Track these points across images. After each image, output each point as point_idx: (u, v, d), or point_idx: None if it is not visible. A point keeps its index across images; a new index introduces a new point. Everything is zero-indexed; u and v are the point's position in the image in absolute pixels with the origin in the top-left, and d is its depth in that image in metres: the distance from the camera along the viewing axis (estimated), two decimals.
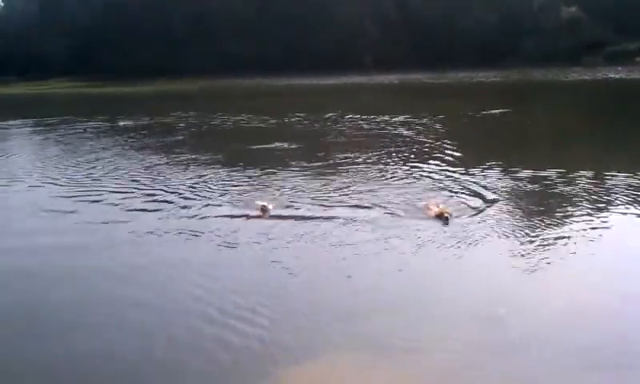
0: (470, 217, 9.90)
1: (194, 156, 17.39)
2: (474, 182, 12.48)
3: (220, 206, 11.15)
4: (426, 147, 17.56)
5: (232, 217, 10.21)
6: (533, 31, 71.24)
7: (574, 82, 43.59)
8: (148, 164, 16.37)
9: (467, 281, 7.47)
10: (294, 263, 8.07)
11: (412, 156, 15.98)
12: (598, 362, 5.48)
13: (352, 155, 16.16)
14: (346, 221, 9.69)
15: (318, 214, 10.17)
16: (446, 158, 15.46)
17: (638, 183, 11.84)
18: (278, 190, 12.22)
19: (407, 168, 14.33)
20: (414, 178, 13.25)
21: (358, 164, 15.01)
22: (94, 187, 13.45)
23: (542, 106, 31.84)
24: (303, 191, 12.03)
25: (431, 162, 15.01)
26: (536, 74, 48.83)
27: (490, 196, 11.23)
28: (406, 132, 21.41)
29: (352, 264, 7.94)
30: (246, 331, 6.29)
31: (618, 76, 45.72)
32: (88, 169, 15.93)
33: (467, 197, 11.26)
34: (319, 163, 15.33)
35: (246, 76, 63.01)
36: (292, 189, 12.30)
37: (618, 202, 10.58)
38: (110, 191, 12.86)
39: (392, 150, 17.01)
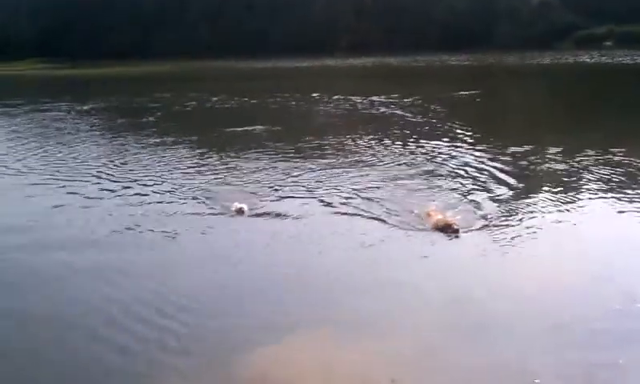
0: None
1: (165, 140, 17.08)
2: (446, 164, 12.62)
3: (187, 202, 10.48)
4: (405, 129, 17.59)
5: (205, 215, 9.67)
6: (505, 16, 71.81)
7: (546, 66, 44.06)
8: (113, 149, 15.97)
9: (440, 265, 7.49)
10: (266, 253, 8.02)
11: (394, 138, 15.95)
12: (568, 341, 5.54)
13: (328, 140, 16.05)
14: (326, 216, 9.35)
15: (296, 212, 9.58)
16: (422, 139, 15.55)
17: (608, 163, 12.04)
18: (257, 181, 11.72)
19: (386, 149, 14.40)
20: (397, 160, 13.26)
21: (335, 149, 14.85)
22: (47, 174, 12.99)
23: (516, 89, 32.13)
24: (283, 182, 11.55)
25: (410, 144, 15.08)
26: (509, 59, 49.24)
27: (459, 180, 11.33)
28: (385, 113, 21.51)
29: (328, 255, 7.86)
30: (219, 314, 6.35)
31: (589, 60, 46.36)
32: (44, 154, 15.47)
33: (437, 179, 11.38)
34: (299, 149, 14.98)
35: (217, 58, 62.25)
36: (271, 179, 11.87)
37: (587, 184, 10.71)
38: (65, 178, 12.45)
39: (370, 132, 16.97)
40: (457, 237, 8.03)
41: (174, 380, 5.16)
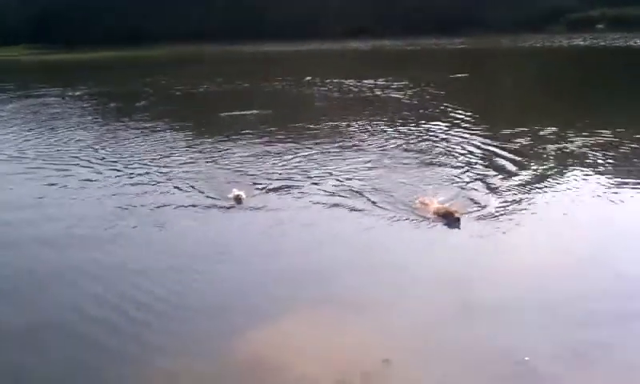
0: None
1: (158, 125, 17.01)
2: (441, 147, 12.67)
3: (183, 191, 10.32)
4: (400, 112, 17.64)
5: (201, 203, 9.53)
6: None
7: (539, 48, 44.04)
8: (104, 135, 15.87)
9: (434, 249, 7.55)
10: (261, 238, 8.06)
11: (390, 121, 16.00)
12: (558, 320, 5.63)
13: (323, 124, 16.04)
14: (324, 205, 9.14)
15: (292, 198, 9.55)
16: (418, 122, 15.64)
17: (601, 146, 12.11)
18: (252, 167, 11.61)
19: (382, 132, 14.46)
20: (394, 143, 13.31)
21: (331, 133, 14.83)
22: (36, 161, 12.87)
23: (510, 72, 32.09)
24: (278, 167, 11.48)
25: (406, 127, 15.15)
26: (503, 42, 49.17)
27: (454, 163, 11.39)
28: (380, 96, 21.55)
29: (322, 240, 7.90)
30: (212, 299, 6.43)
31: (583, 43, 46.36)
32: (33, 140, 15.35)
33: (432, 162, 11.44)
34: (294, 133, 14.93)
35: (211, 43, 61.85)
36: (267, 164, 11.77)
37: (580, 166, 10.79)
38: (55, 165, 12.34)
39: (365, 116, 16.97)
40: (458, 226, 7.91)
41: (168, 362, 5.22)
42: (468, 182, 9.99)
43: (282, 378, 4.93)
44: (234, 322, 5.85)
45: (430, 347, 5.32)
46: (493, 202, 8.88)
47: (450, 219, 8.00)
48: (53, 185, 10.97)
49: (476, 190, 9.54)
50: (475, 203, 8.90)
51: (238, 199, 9.17)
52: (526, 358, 4.94)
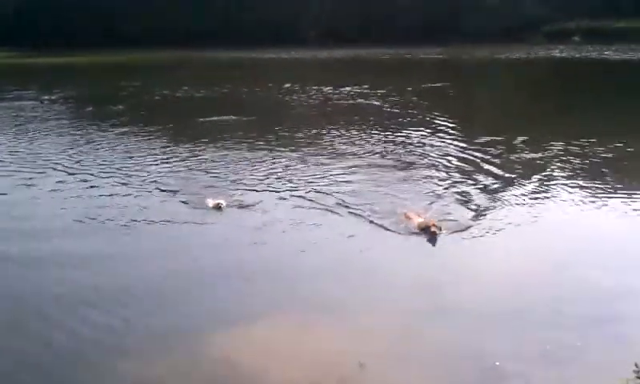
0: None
1: (133, 130, 16.78)
2: (419, 154, 12.83)
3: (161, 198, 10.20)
4: (377, 119, 17.75)
5: (175, 213, 9.31)
6: (474, 8, 72.14)
7: (517, 59, 44.63)
8: (79, 139, 15.57)
9: (409, 255, 7.65)
10: (238, 244, 8.05)
11: (368, 129, 16.08)
12: (528, 324, 5.76)
13: (302, 131, 16.05)
14: (302, 213, 9.12)
15: (270, 206, 9.49)
16: (395, 130, 15.77)
17: (576, 155, 12.37)
18: (229, 174, 11.55)
19: (361, 140, 14.54)
20: (372, 149, 13.45)
21: (309, 141, 14.83)
22: (7, 165, 12.66)
23: (488, 82, 32.46)
24: (256, 175, 11.43)
25: (383, 134, 15.25)
26: (481, 52, 49.76)
27: (431, 170, 11.55)
28: (360, 104, 21.63)
29: (300, 247, 7.95)
30: (184, 301, 6.46)
31: (559, 54, 47.09)
32: (5, 144, 15.04)
33: (410, 170, 11.57)
34: (273, 140, 14.83)
35: (184, 48, 61.32)
36: (244, 171, 11.70)
37: (554, 176, 10.97)
38: (27, 170, 12.09)
39: (343, 123, 16.96)
40: (434, 239, 7.81)
41: (138, 364, 5.22)
42: (446, 189, 10.13)
43: (256, 380, 4.96)
44: (208, 326, 5.86)
45: (405, 351, 5.40)
46: (468, 211, 9.03)
47: (429, 233, 7.86)
48: (23, 188, 10.87)
49: (453, 198, 9.67)
50: (452, 211, 9.03)
51: (217, 207, 9.08)
52: (497, 363, 5.03)
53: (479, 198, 9.62)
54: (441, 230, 7.94)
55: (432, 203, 9.38)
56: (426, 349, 5.42)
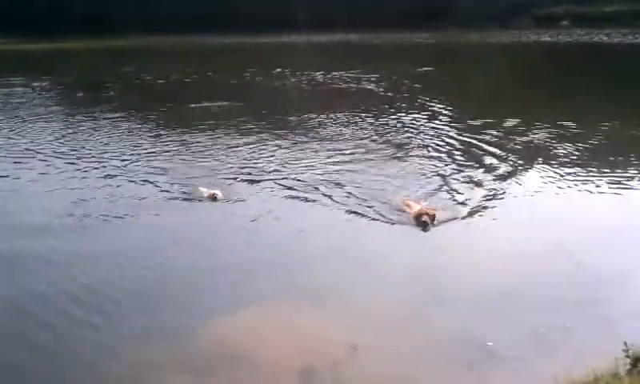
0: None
1: (125, 117, 16.64)
2: (414, 139, 12.92)
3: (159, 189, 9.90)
4: (370, 104, 17.66)
5: (168, 200, 9.23)
6: None
7: (507, 44, 44.66)
8: (69, 127, 15.41)
9: (402, 239, 7.71)
10: (231, 232, 8.08)
11: (362, 113, 16.04)
12: (520, 307, 5.84)
13: (295, 116, 15.98)
14: (296, 199, 9.13)
15: (264, 195, 9.42)
16: (388, 114, 15.86)
17: (568, 139, 12.43)
18: (223, 161, 11.36)
19: (354, 125, 14.55)
20: (367, 135, 13.41)
21: (304, 126, 14.72)
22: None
23: (478, 67, 32.47)
24: (250, 162, 11.29)
25: (377, 119, 15.28)
26: (470, 37, 49.67)
27: (426, 154, 11.61)
28: (353, 88, 21.62)
29: (293, 233, 8.01)
30: (182, 284, 6.49)
31: (549, 39, 47.11)
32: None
33: (405, 155, 11.60)
34: (265, 126, 14.70)
35: (174, 34, 60.77)
36: (238, 158, 11.56)
37: (547, 160, 11.03)
38: (17, 159, 11.90)
39: (336, 108, 16.87)
40: (428, 227, 7.76)
41: (134, 350, 5.25)
42: (440, 175, 10.17)
43: (250, 366, 4.99)
44: (203, 313, 5.88)
45: (397, 334, 5.46)
46: (462, 195, 9.09)
47: (421, 222, 7.78)
48: (6, 177, 10.77)
49: (447, 183, 9.71)
50: (446, 196, 9.10)
51: (213, 197, 8.95)
52: (489, 344, 5.10)
53: (473, 183, 9.70)
54: (434, 219, 7.83)
55: (426, 189, 9.41)
56: (418, 331, 5.48)
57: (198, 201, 9.05)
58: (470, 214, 8.33)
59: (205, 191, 9.17)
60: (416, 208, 8.14)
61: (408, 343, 5.32)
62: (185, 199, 9.22)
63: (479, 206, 8.62)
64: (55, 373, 5.02)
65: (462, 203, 8.75)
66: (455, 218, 8.15)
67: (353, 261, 7.09)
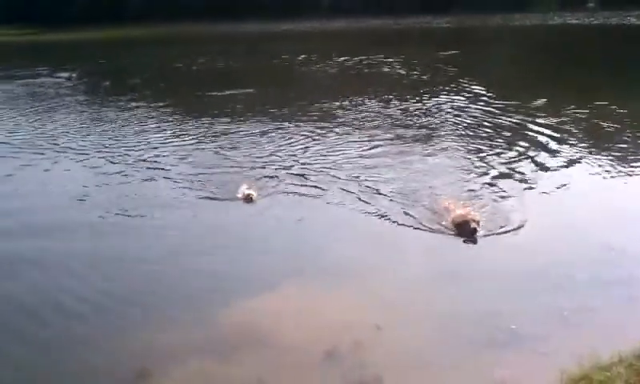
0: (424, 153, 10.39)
1: (148, 109, 16.48)
2: (444, 124, 12.86)
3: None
4: (398, 89, 17.55)
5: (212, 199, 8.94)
6: None
7: (532, 26, 43.98)
8: (90, 119, 15.32)
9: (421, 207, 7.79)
10: (258, 221, 7.98)
11: (391, 99, 15.88)
12: (544, 287, 5.81)
13: (324, 103, 15.71)
14: (324, 191, 8.81)
15: (293, 187, 9.11)
16: (417, 98, 15.79)
17: (604, 120, 12.37)
18: (253, 155, 10.97)
19: (384, 111, 14.40)
20: (397, 122, 13.26)
21: (333, 113, 14.43)
22: (18, 147, 12.33)
23: (503, 51, 31.85)
24: (280, 154, 10.93)
25: (415, 103, 15.19)
26: (490, 21, 48.97)
27: (456, 139, 11.56)
28: (381, 72, 21.49)
29: (322, 223, 7.95)
30: (211, 268, 6.63)
31: (576, 21, 46.28)
32: (13, 124, 14.85)
33: (437, 143, 11.45)
34: (295, 115, 14.46)
35: (193, 22, 60.78)
36: (268, 151, 11.20)
37: (573, 144, 10.89)
38: (38, 152, 11.82)
39: (365, 93, 16.76)
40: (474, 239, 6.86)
41: (158, 335, 5.33)
42: (470, 160, 10.06)
43: (274, 344, 5.06)
44: (227, 292, 6.01)
45: (421, 314, 5.48)
46: (489, 173, 9.20)
47: (472, 229, 6.88)
48: (28, 168, 10.82)
49: (477, 165, 9.71)
50: (468, 171, 9.18)
51: (248, 198, 8.50)
52: (513, 326, 5.09)
53: (500, 160, 9.89)
54: (479, 225, 6.94)
55: (457, 180, 9.10)
56: (442, 312, 5.49)
57: (230, 200, 8.70)
58: (495, 192, 8.39)
59: (241, 191, 8.71)
60: (458, 212, 7.21)
61: (431, 324, 5.33)
62: (214, 197, 8.91)
63: (504, 184, 8.68)
64: (78, 355, 5.14)
65: (487, 184, 8.77)
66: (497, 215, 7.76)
67: (375, 243, 7.09)
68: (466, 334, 5.10)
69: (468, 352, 4.85)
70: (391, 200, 8.28)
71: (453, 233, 7.01)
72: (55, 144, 12.53)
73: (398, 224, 7.50)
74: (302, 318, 5.51)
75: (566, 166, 9.64)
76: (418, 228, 7.32)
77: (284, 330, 5.27)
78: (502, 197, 8.25)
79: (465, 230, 6.88)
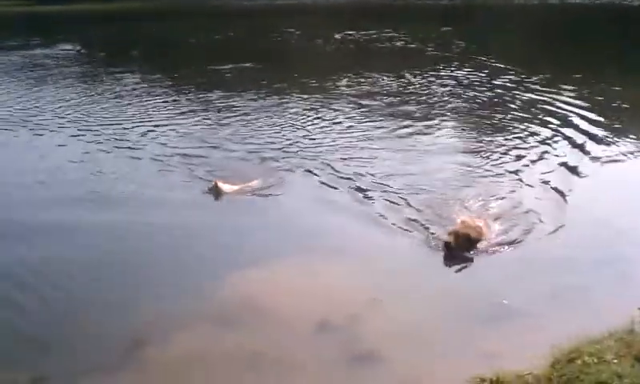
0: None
1: (146, 83, 16.26)
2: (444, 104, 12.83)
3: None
4: (397, 64, 17.31)
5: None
6: None
7: (534, 5, 43.42)
8: (87, 94, 14.96)
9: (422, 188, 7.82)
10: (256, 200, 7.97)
11: (392, 75, 15.64)
12: (537, 266, 5.86)
13: (327, 80, 15.42)
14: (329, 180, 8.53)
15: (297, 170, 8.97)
16: (416, 74, 15.64)
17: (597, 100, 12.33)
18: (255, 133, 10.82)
19: (386, 88, 14.29)
20: (399, 99, 13.19)
21: (336, 92, 14.13)
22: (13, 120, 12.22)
23: (510, 27, 31.37)
24: (284, 135, 10.68)
25: (405, 81, 15.06)
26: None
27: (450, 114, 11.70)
28: (376, 48, 21.41)
29: (318, 204, 7.85)
30: (206, 241, 6.79)
31: (579, 0, 45.68)
32: (7, 97, 14.63)
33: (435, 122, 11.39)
34: (296, 91, 14.25)
35: None
36: (278, 127, 11.03)
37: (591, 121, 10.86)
38: (34, 126, 11.69)
39: (368, 68, 16.56)
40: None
41: (162, 303, 5.42)
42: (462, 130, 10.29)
43: (269, 316, 5.13)
44: (222, 265, 6.11)
45: (415, 288, 5.57)
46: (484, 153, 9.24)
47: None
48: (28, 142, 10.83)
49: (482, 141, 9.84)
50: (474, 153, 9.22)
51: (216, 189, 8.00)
52: (505, 301, 5.15)
53: (499, 137, 10.04)
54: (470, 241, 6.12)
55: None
56: (436, 287, 5.59)
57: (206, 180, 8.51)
58: (496, 173, 8.42)
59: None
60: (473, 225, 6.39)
61: (425, 298, 5.39)
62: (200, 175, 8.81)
63: (506, 164, 8.77)
64: (90, 323, 5.22)
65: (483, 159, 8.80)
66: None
67: (372, 221, 7.09)
68: (459, 309, 5.19)
69: (461, 326, 4.94)
70: (386, 179, 8.28)
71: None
72: (51, 117, 12.43)
73: (396, 203, 7.51)
74: (298, 291, 5.58)
75: (566, 145, 9.60)
76: (415, 208, 7.33)
77: (280, 303, 5.33)
78: (499, 174, 8.33)
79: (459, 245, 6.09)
